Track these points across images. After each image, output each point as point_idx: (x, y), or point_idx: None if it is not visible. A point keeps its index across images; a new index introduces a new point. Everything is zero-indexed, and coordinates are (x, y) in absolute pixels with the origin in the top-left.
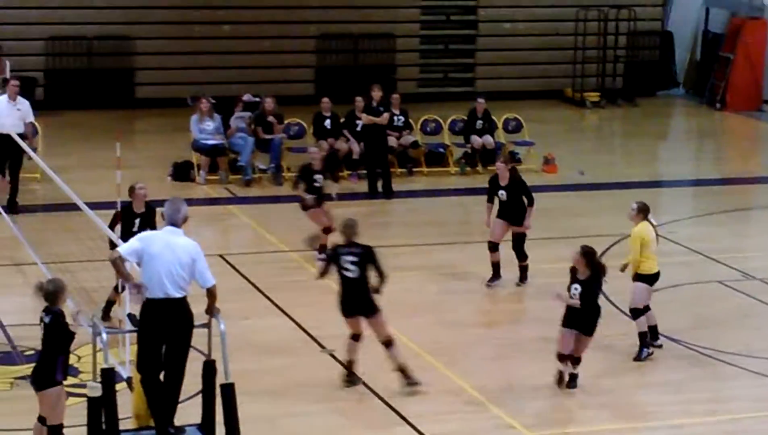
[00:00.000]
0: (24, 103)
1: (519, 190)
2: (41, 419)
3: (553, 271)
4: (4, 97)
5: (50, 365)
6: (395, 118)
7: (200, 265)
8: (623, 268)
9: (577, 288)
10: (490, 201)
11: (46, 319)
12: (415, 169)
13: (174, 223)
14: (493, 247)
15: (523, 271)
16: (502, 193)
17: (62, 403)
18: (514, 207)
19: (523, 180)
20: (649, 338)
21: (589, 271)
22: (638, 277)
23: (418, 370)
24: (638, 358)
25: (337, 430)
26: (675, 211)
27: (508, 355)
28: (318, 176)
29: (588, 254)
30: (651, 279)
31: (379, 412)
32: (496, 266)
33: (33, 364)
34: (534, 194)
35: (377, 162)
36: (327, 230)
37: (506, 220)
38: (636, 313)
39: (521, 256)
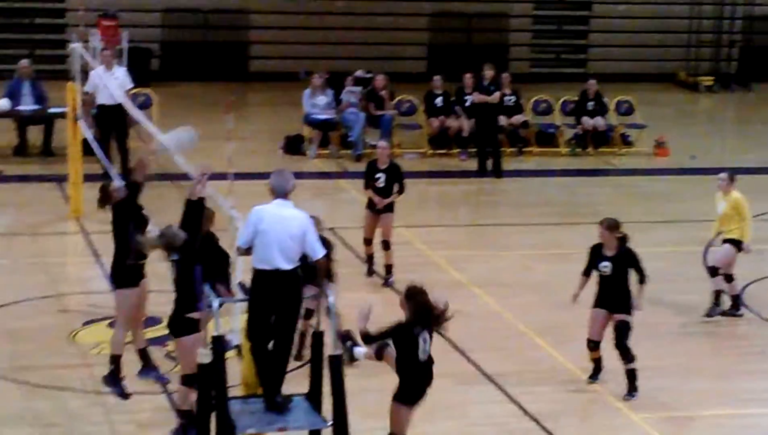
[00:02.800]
0: (121, 71)
1: (627, 265)
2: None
3: (660, 255)
4: (101, 67)
5: (188, 301)
6: (506, 97)
7: (310, 237)
8: (716, 237)
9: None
10: (586, 273)
11: (175, 256)
12: (524, 149)
13: (283, 195)
14: (595, 345)
15: (631, 378)
16: (605, 265)
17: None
18: (619, 287)
19: (634, 253)
20: (731, 308)
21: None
22: (731, 241)
23: (523, 349)
24: (710, 314)
25: (438, 393)
26: None
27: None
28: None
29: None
30: (740, 245)
31: (481, 389)
32: (597, 362)
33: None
34: (645, 177)
35: (487, 141)
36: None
37: (607, 307)
38: (714, 271)
39: (626, 355)
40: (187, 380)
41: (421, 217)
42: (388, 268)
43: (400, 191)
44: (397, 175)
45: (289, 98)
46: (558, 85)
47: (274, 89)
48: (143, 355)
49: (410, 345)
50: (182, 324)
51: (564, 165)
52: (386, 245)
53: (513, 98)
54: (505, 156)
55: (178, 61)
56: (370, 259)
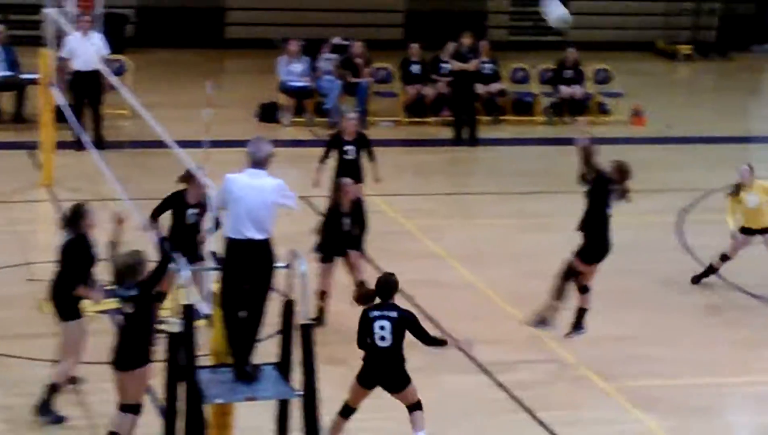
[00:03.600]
0: (97, 37)
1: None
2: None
3: (638, 224)
4: (77, 33)
5: (143, 340)
6: (484, 65)
7: (282, 201)
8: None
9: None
10: None
11: (133, 292)
12: (501, 118)
13: (257, 164)
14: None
15: (580, 315)
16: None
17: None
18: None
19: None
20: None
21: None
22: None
23: (497, 319)
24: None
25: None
26: (765, 167)
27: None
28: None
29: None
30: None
31: (452, 358)
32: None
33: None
34: (621, 147)
35: (464, 109)
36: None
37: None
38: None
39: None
40: (129, 409)
41: (396, 186)
42: None
43: (372, 160)
44: (365, 145)
45: (265, 66)
46: (537, 53)
47: (250, 56)
48: (53, 390)
49: (366, 329)
50: (136, 356)
51: (540, 134)
52: None
53: (491, 66)
54: (482, 124)
55: (154, 27)
56: None
